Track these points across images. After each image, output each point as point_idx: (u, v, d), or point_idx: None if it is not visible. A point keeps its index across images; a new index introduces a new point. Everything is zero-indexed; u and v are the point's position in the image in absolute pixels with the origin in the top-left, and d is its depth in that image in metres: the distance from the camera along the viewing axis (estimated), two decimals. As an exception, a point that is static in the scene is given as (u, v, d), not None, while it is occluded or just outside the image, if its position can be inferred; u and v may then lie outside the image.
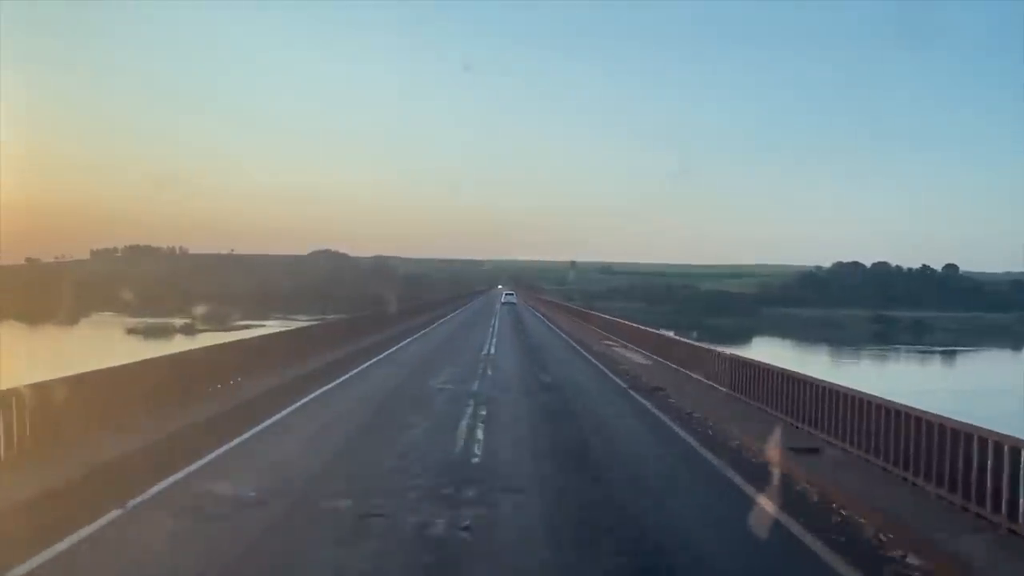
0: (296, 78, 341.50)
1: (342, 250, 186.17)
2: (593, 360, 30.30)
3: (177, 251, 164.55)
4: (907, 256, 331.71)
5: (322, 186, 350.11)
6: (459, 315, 70.81)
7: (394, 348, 33.10)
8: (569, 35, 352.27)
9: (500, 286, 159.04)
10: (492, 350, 32.96)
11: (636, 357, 29.78)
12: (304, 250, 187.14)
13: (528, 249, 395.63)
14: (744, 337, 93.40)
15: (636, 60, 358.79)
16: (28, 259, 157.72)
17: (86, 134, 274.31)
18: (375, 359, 28.46)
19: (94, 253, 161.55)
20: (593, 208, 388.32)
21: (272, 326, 64.67)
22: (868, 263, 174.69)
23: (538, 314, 79.45)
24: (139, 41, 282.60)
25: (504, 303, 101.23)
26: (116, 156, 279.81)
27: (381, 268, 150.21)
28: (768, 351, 74.06)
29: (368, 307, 64.25)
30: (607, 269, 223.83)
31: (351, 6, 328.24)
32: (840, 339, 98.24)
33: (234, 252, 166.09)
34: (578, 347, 36.06)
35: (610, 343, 36.32)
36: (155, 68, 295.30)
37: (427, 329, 47.05)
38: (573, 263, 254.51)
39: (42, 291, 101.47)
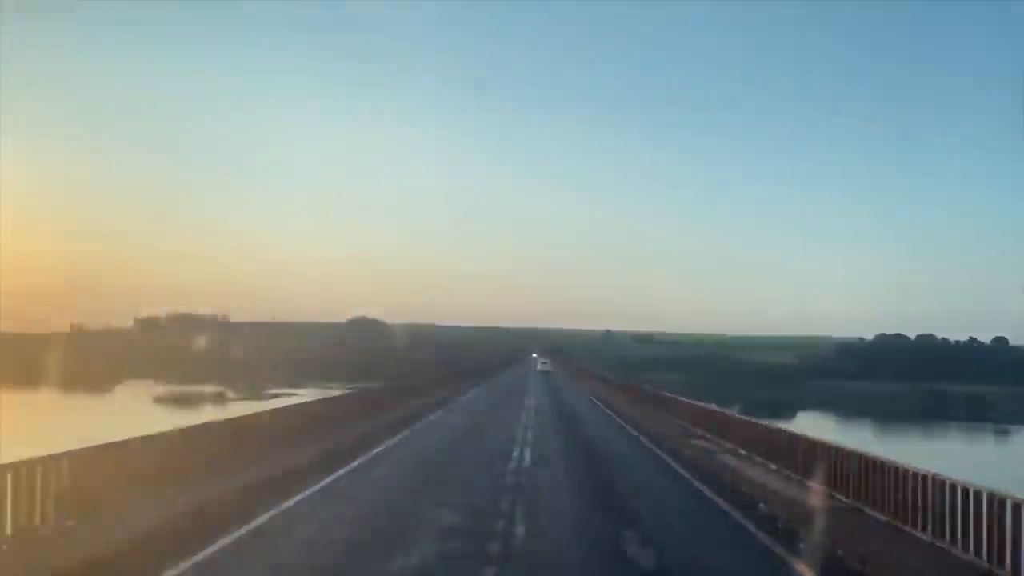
0: (338, 149, 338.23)
1: (379, 318, 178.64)
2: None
3: (219, 319, 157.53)
4: (954, 328, 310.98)
5: (362, 254, 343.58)
6: (481, 394, 53.01)
7: (354, 464, 19.06)
8: (604, 99, 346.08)
9: (534, 354, 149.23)
10: (519, 527, 12.83)
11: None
12: (343, 317, 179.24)
13: (562, 318, 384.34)
14: (795, 411, 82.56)
15: (670, 124, 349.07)
16: (73, 325, 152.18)
17: (133, 204, 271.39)
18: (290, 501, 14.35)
19: (138, 321, 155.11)
20: (627, 276, 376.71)
21: (303, 395, 59.94)
22: (912, 335, 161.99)
23: (580, 390, 62.64)
24: (182, 112, 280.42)
25: (540, 371, 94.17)
26: (162, 225, 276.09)
27: (415, 336, 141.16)
28: (835, 429, 63.27)
29: (383, 377, 58.18)
30: (643, 338, 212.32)
31: (395, 82, 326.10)
32: (907, 415, 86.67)
33: (274, 320, 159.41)
34: (734, 510, 14.90)
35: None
36: (199, 139, 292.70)
37: (432, 416, 32.43)
38: (607, 332, 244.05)
39: (83, 358, 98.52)
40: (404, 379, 50.73)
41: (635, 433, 28.83)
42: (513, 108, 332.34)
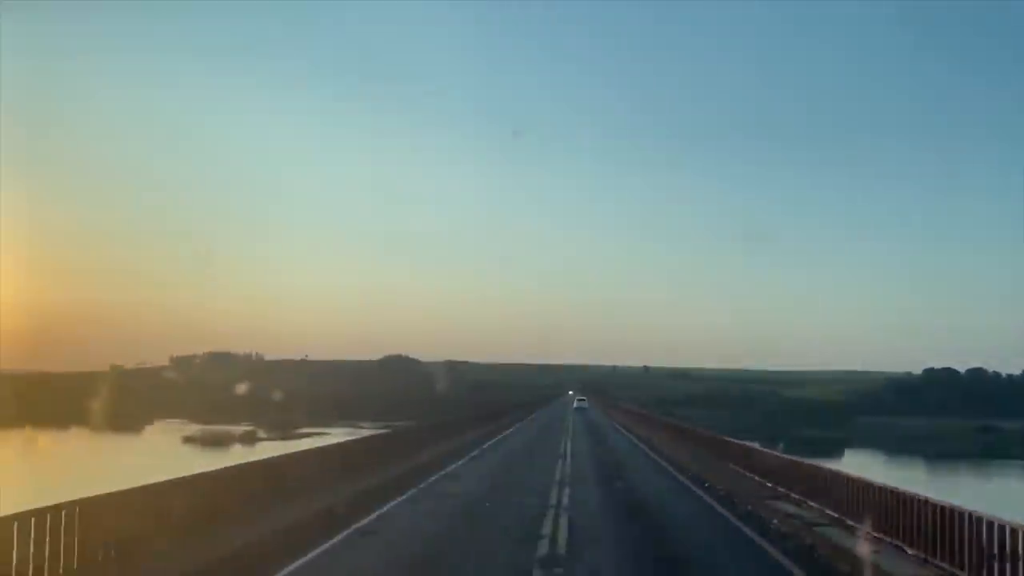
0: (374, 190, 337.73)
1: (412, 355, 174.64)
2: None
3: (253, 357, 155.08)
4: (1006, 362, 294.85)
5: (397, 292, 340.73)
6: (513, 436, 45.73)
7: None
8: (643, 137, 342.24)
9: (571, 392, 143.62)
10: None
11: None
12: (375, 355, 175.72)
13: (599, 354, 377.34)
14: (843, 449, 76.30)
15: (708, 161, 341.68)
16: (112, 366, 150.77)
17: (168, 246, 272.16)
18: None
19: (173, 360, 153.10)
20: (666, 312, 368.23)
21: (335, 435, 59.17)
22: (962, 369, 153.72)
23: (622, 431, 54.94)
24: (220, 154, 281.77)
25: (577, 408, 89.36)
26: (197, 266, 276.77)
27: (450, 373, 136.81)
28: (894, 470, 57.15)
29: (414, 416, 54.63)
30: (682, 374, 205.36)
31: (431, 125, 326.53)
32: (969, 454, 79.66)
33: (307, 358, 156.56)
34: None
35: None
36: (236, 181, 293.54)
37: (454, 466, 26.67)
38: (646, 368, 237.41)
39: (121, 398, 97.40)
40: (431, 420, 46.23)
41: (697, 490, 22.28)
42: (550, 143, 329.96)
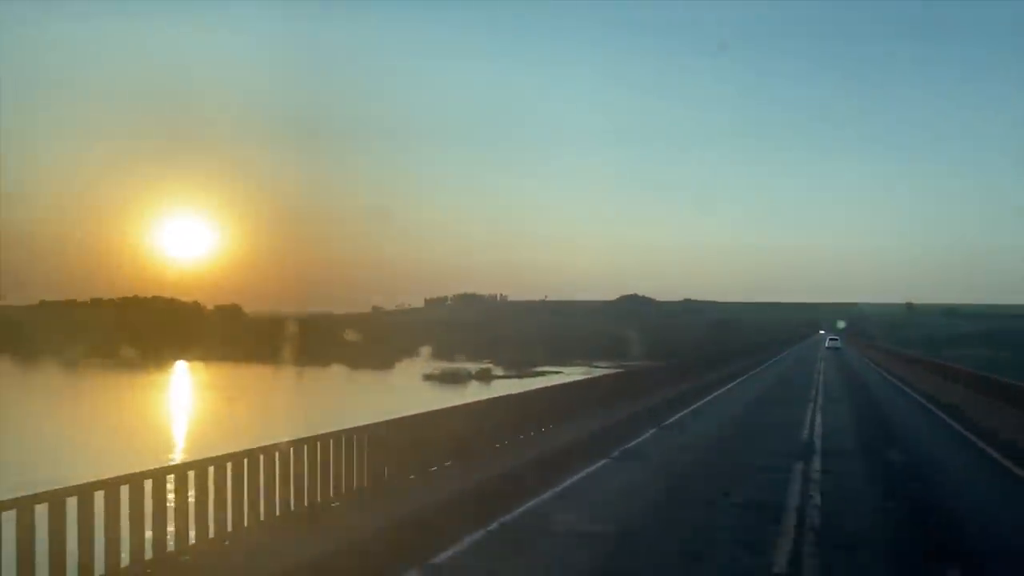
0: (606, 131, 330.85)
1: (649, 295, 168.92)
2: None
3: (498, 298, 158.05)
4: None
5: (632, 232, 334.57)
6: (736, 395, 30.47)
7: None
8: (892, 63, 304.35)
9: (822, 331, 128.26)
10: None
11: None
12: (612, 295, 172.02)
13: (854, 291, 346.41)
14: None
15: (978, 75, 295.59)
16: (374, 307, 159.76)
17: (425, 199, 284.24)
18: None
19: (428, 301, 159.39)
20: (929, 241, 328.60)
21: (569, 373, 59.15)
22: None
23: (918, 399, 29.55)
24: (471, 109, 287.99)
25: (828, 347, 79.05)
26: (451, 214, 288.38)
27: (689, 313, 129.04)
28: None
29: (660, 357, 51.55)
30: (952, 311, 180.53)
31: (674, 63, 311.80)
32: None
33: (547, 299, 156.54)
34: None
35: None
36: (480, 137, 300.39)
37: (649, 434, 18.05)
38: (909, 305, 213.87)
39: (375, 337, 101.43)
40: (639, 369, 40.81)
41: None
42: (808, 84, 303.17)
